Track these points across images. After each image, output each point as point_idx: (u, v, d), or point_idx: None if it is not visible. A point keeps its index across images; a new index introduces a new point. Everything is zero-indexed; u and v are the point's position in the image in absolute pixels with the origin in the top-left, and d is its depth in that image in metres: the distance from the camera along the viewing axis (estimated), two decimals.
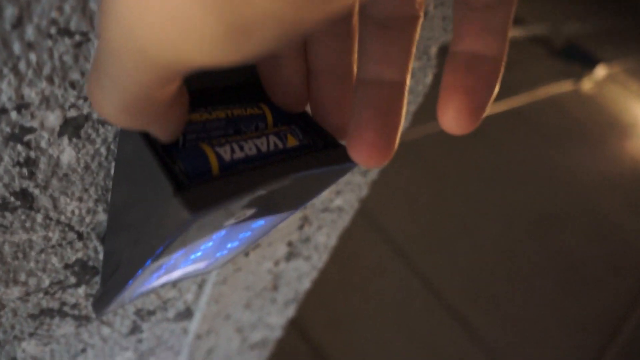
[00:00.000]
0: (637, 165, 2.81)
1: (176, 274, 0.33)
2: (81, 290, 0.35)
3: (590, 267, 2.05)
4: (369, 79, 0.22)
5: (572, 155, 2.66)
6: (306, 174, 0.23)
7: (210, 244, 0.28)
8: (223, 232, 0.27)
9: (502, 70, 0.21)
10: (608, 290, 1.97)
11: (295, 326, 1.46)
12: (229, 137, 0.24)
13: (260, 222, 0.28)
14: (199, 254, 0.29)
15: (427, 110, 2.39)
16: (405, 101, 0.22)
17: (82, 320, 0.38)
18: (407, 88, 0.22)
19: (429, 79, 0.45)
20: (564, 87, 3.26)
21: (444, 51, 0.44)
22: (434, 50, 0.42)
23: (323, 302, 1.56)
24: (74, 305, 0.36)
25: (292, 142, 0.25)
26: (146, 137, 0.22)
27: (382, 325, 1.56)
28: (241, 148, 0.23)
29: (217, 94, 0.26)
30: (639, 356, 1.77)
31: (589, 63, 3.48)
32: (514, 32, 3.55)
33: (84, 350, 0.42)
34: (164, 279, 0.32)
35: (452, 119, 0.20)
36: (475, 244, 1.93)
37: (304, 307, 1.50)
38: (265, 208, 0.26)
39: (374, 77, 0.22)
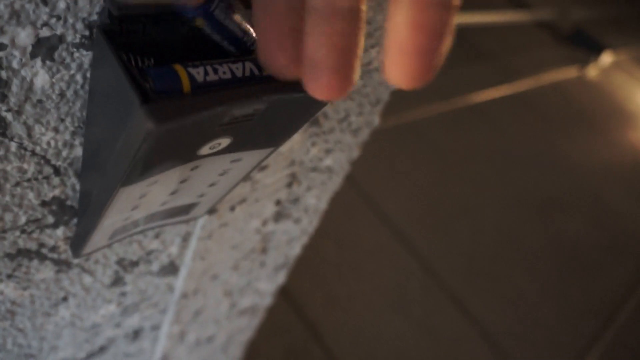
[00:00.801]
0: (638, 153, 2.80)
1: (156, 217, 0.32)
2: (60, 231, 0.34)
3: (589, 253, 2.04)
4: (319, 6, 0.20)
5: (575, 141, 2.65)
6: (282, 97, 0.22)
7: (187, 180, 0.28)
8: (199, 165, 0.26)
9: (454, 16, 0.18)
10: (606, 276, 1.97)
11: (291, 304, 1.46)
12: (203, 61, 0.23)
13: (238, 158, 0.27)
14: (176, 191, 0.29)
15: (429, 90, 2.37)
16: (361, 33, 0.20)
17: (61, 265, 0.37)
18: (363, 15, 0.20)
19: None
20: (569, 72, 3.24)
21: None
22: None
23: (320, 281, 1.56)
24: (53, 248, 0.35)
25: None
26: (118, 54, 0.22)
27: (379, 306, 1.57)
28: (215, 71, 0.23)
29: None
30: (634, 340, 1.77)
31: (595, 49, 3.45)
32: (520, 17, 3.51)
33: (65, 299, 0.42)
34: (143, 221, 0.32)
35: (401, 82, 0.19)
36: (475, 227, 1.92)
37: (300, 285, 1.50)
38: (242, 140, 0.25)
39: (325, 3, 0.19)
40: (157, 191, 0.27)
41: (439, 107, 2.36)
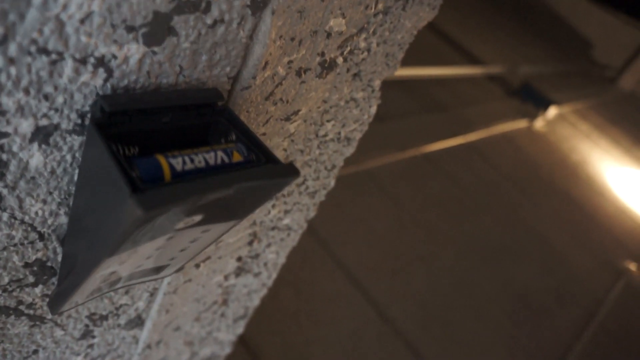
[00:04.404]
0: (584, 201, 2.94)
1: (131, 277, 0.36)
2: (38, 290, 0.37)
3: (539, 298, 2.12)
4: None
5: (524, 189, 2.76)
6: (248, 184, 0.27)
7: (162, 248, 0.31)
8: (174, 236, 0.30)
9: None
10: (555, 320, 2.04)
11: (248, 352, 1.46)
12: (182, 150, 0.27)
13: (208, 229, 0.31)
14: (151, 256, 0.32)
15: (384, 140, 2.46)
16: None
17: (36, 320, 0.40)
18: None
19: (373, 109, 0.50)
20: (518, 124, 3.39)
21: (385, 84, 0.48)
22: (377, 83, 0.47)
23: (277, 329, 1.57)
24: (30, 305, 0.38)
25: (237, 157, 0.28)
26: (109, 145, 0.25)
27: (336, 353, 1.58)
28: (192, 160, 0.27)
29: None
30: None
31: (542, 103, 3.63)
32: (472, 71, 3.68)
33: (35, 352, 0.44)
34: (119, 281, 0.35)
35: None
36: (429, 274, 1.97)
37: (257, 332, 1.52)
38: (212, 215, 0.29)
39: None
40: (135, 258, 0.30)
41: (394, 156, 2.44)
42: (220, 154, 0.27)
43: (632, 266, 2.55)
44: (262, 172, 0.27)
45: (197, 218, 0.28)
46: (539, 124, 3.53)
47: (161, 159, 0.26)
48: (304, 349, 1.56)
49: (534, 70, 4.27)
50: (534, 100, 3.65)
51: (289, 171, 0.28)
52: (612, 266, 2.53)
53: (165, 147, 0.28)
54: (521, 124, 3.43)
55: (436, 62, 3.47)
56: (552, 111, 3.69)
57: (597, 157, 3.60)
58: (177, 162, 0.26)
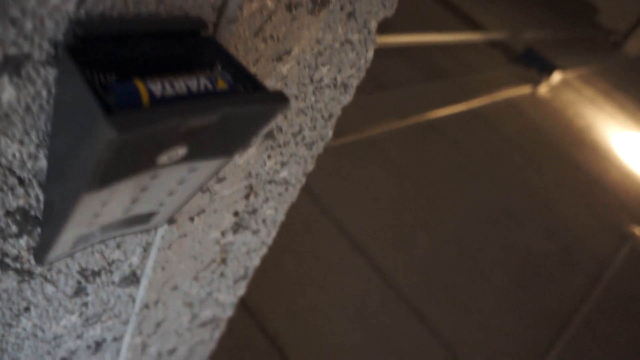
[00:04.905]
0: (588, 166, 2.91)
1: (118, 225, 0.34)
2: (23, 241, 0.35)
3: (544, 263, 2.11)
4: None
5: (528, 155, 2.74)
6: (233, 110, 0.25)
7: (147, 190, 0.30)
8: (158, 175, 0.28)
9: None
10: (559, 284, 2.04)
11: (252, 318, 1.46)
12: (162, 76, 0.25)
13: (195, 167, 0.30)
14: (137, 199, 0.31)
15: (386, 107, 2.43)
16: None
17: (24, 275, 0.39)
18: None
19: (370, 53, 0.47)
20: (522, 90, 3.35)
21: (382, 26, 0.46)
22: (373, 24, 0.45)
23: (281, 295, 1.57)
24: (16, 258, 0.36)
25: (222, 85, 0.26)
26: (82, 71, 0.24)
27: (340, 318, 1.59)
28: (172, 86, 0.25)
29: None
30: (587, 347, 1.83)
31: (545, 69, 3.59)
32: (475, 37, 3.63)
33: (27, 309, 0.43)
34: (105, 228, 0.33)
35: None
36: (433, 239, 1.97)
37: (261, 299, 1.51)
38: (197, 149, 0.27)
39: None
40: (118, 199, 0.29)
41: (397, 124, 2.42)
42: (203, 80, 0.26)
43: (637, 231, 2.54)
44: (249, 98, 0.25)
45: (181, 152, 0.26)
46: (543, 89, 3.49)
47: (139, 84, 0.24)
48: (308, 315, 1.55)
49: (537, 36, 4.21)
50: (538, 65, 3.60)
51: (278, 98, 0.26)
52: (617, 230, 2.52)
53: (144, 76, 0.26)
54: (525, 89, 3.39)
55: (438, 28, 3.41)
56: (556, 77, 3.64)
57: (602, 122, 3.56)
58: (157, 88, 0.24)
